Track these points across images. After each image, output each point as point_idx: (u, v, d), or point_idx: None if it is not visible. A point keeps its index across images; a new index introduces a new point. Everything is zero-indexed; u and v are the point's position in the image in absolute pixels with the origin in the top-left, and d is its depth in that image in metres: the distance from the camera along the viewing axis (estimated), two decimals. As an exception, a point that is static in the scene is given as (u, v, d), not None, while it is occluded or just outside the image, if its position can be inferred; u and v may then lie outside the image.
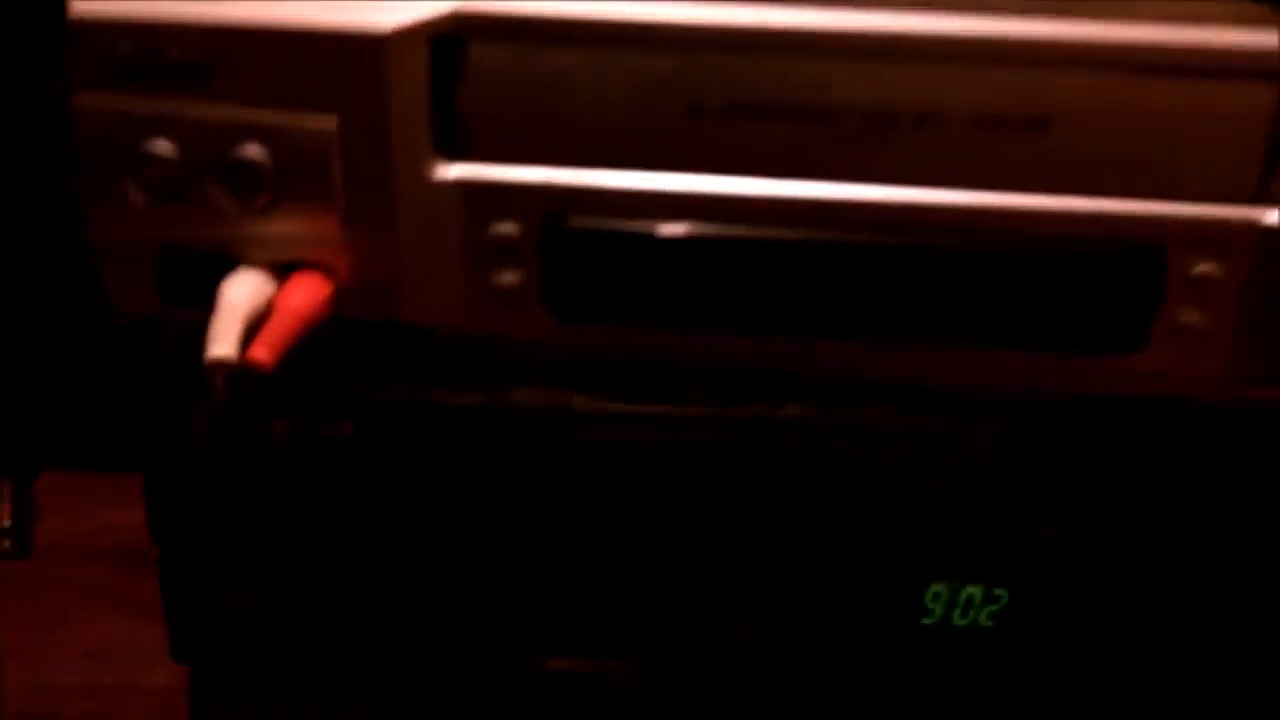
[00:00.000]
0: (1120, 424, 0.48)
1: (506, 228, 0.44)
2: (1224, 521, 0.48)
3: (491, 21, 0.42)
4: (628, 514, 0.49)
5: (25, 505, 0.67)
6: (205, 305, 0.43)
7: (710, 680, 0.52)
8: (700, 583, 0.50)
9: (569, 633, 0.51)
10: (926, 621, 0.50)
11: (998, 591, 0.50)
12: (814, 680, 0.51)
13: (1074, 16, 0.42)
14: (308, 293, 0.44)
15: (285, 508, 0.49)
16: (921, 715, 0.52)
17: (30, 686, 0.61)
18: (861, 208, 0.44)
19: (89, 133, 0.43)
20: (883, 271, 0.44)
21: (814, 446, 0.48)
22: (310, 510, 0.49)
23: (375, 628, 0.51)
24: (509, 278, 0.45)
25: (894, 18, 0.42)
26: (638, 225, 0.44)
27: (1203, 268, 0.44)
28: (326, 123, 0.42)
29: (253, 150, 0.42)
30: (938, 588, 0.50)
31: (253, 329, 0.43)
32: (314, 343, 0.44)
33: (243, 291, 0.43)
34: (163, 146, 0.43)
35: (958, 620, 0.50)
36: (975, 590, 0.50)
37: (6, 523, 0.66)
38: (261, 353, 0.42)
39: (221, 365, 0.42)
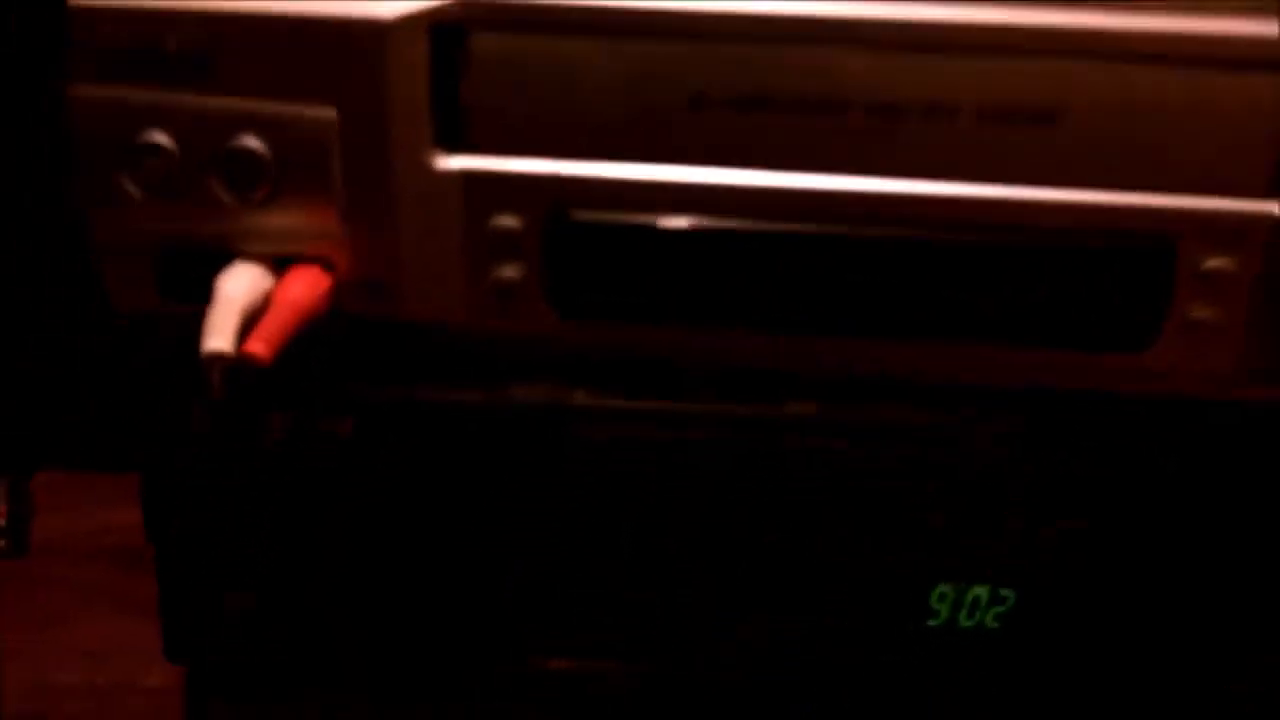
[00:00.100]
0: (1127, 422, 0.47)
1: (508, 221, 0.44)
2: (1225, 521, 0.48)
3: (493, 10, 0.42)
4: (628, 512, 0.48)
5: (22, 503, 0.66)
6: (204, 300, 0.43)
7: (711, 682, 0.51)
8: (702, 583, 0.49)
9: (569, 632, 0.50)
10: (931, 623, 0.50)
11: (1004, 592, 0.49)
12: (816, 683, 0.51)
13: (1085, 5, 0.41)
14: (306, 286, 0.44)
15: (283, 506, 0.48)
16: (926, 719, 0.51)
17: (28, 686, 0.61)
18: (866, 201, 0.43)
19: (86, 125, 0.43)
20: (887, 266, 0.44)
21: (817, 444, 0.47)
22: (308, 508, 0.49)
23: (374, 627, 0.50)
24: (510, 272, 0.44)
25: (901, 7, 0.41)
26: (642, 218, 0.44)
27: (1214, 262, 0.43)
28: (326, 113, 0.42)
29: (251, 142, 0.42)
30: (943, 588, 0.49)
31: (250, 323, 0.43)
32: (313, 339, 0.44)
33: (240, 285, 0.43)
34: (161, 138, 0.42)
35: (963, 622, 0.50)
36: (981, 591, 0.49)
37: (3, 521, 0.66)
38: (258, 346, 0.42)
39: (218, 359, 0.41)
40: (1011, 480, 0.48)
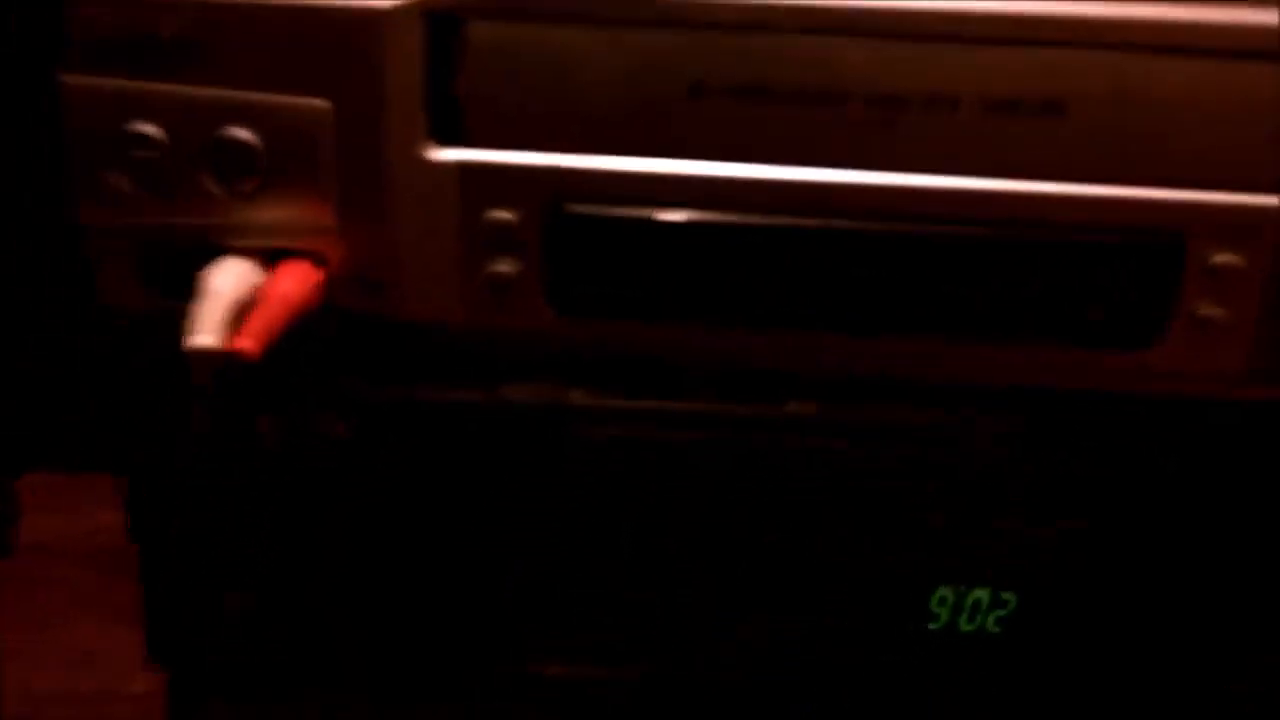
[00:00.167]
0: (1131, 422, 0.47)
1: (504, 214, 0.43)
2: (1226, 522, 0.48)
3: (490, -2, 0.41)
4: (627, 513, 0.48)
5: (7, 505, 0.66)
6: (192, 295, 0.42)
7: (710, 686, 0.51)
8: (701, 585, 0.49)
9: (568, 634, 0.50)
10: (932, 627, 0.49)
11: (1005, 595, 0.49)
12: (815, 687, 0.50)
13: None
14: (297, 281, 0.43)
15: (275, 506, 0.48)
16: (926, 725, 0.51)
17: (11, 692, 0.60)
18: (867, 195, 0.43)
19: (75, 115, 0.42)
20: (887, 261, 0.43)
21: (817, 445, 0.47)
22: (302, 509, 0.48)
23: (371, 629, 0.50)
24: (506, 267, 0.44)
25: (903, -5, 0.41)
26: (641, 211, 0.43)
27: (1223, 258, 0.42)
28: (318, 104, 0.41)
29: (242, 132, 0.41)
30: (944, 591, 0.49)
31: (240, 318, 0.42)
32: (306, 337, 0.43)
33: (228, 279, 0.42)
34: (150, 129, 0.42)
35: (964, 625, 0.49)
36: (982, 594, 0.49)
37: (-13, 522, 0.65)
38: (247, 342, 0.41)
39: (204, 354, 0.41)
40: (1013, 481, 0.47)
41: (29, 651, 0.63)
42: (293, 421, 0.47)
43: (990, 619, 0.49)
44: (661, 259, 0.44)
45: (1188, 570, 0.48)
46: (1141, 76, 0.41)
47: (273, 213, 0.43)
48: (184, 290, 0.42)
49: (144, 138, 0.42)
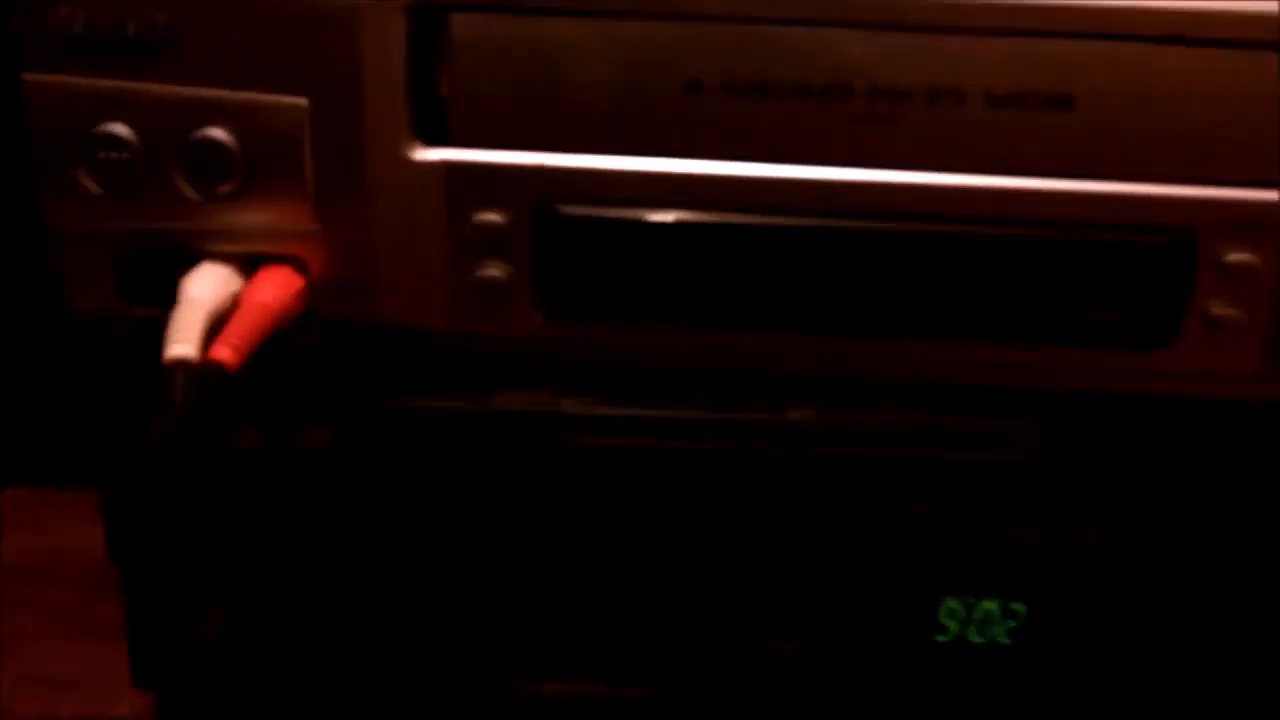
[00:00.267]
0: (1143, 426, 0.46)
1: (492, 216, 0.42)
2: (1228, 522, 0.47)
3: (474, -11, 0.40)
4: (625, 524, 0.47)
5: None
6: (168, 303, 0.41)
7: (714, 702, 0.49)
8: (703, 599, 0.48)
9: (564, 649, 0.49)
10: (940, 639, 0.48)
11: (1015, 606, 0.48)
12: (822, 702, 0.49)
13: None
14: (277, 287, 0.42)
15: (256, 522, 0.47)
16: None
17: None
18: (870, 193, 0.42)
19: (40, 115, 0.41)
20: (889, 262, 0.42)
21: (819, 453, 0.46)
22: (283, 527, 0.47)
23: (357, 650, 0.49)
24: (495, 271, 0.43)
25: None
26: (634, 213, 0.42)
27: (1236, 256, 0.41)
28: (296, 102, 0.40)
29: (217, 132, 0.40)
30: (952, 603, 0.48)
31: (218, 327, 0.41)
32: (289, 346, 0.42)
33: (206, 286, 0.41)
34: (119, 129, 0.40)
35: (973, 637, 0.48)
36: (992, 605, 0.48)
37: (-39, 541, 0.64)
38: (225, 352, 0.40)
39: (182, 365, 0.39)
40: (1022, 488, 0.46)
41: (8, 674, 0.61)
42: (275, 433, 0.46)
43: (1000, 630, 0.48)
44: (656, 262, 0.42)
45: (1192, 571, 0.47)
46: (1150, 69, 0.40)
47: (250, 216, 0.41)
48: (158, 297, 0.41)
49: (114, 139, 0.40)
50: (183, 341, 0.40)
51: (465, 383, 0.46)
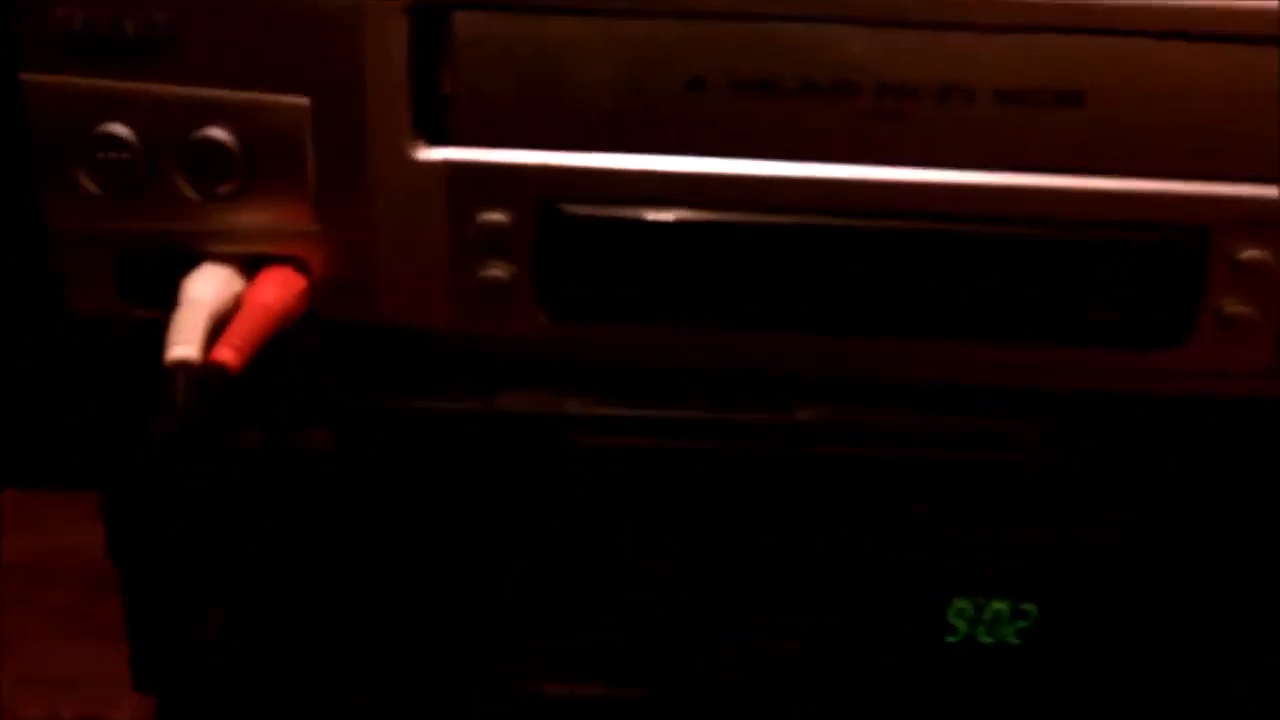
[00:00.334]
0: (1155, 425, 0.45)
1: (495, 216, 0.42)
2: (1234, 521, 0.47)
3: (477, -14, 0.40)
4: (627, 525, 0.46)
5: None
6: (169, 305, 0.41)
7: (717, 703, 0.49)
8: (708, 600, 0.47)
9: (566, 650, 0.48)
10: (950, 639, 0.48)
11: (1025, 606, 0.47)
12: (829, 703, 0.49)
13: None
14: (279, 288, 0.42)
15: (258, 524, 0.46)
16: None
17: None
18: (877, 191, 0.41)
19: (40, 115, 0.40)
20: (897, 261, 0.42)
21: (822, 453, 0.46)
22: (285, 528, 0.46)
23: (358, 651, 0.48)
24: (498, 271, 0.42)
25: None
26: (638, 212, 0.41)
27: (1249, 253, 0.41)
28: (298, 101, 0.40)
29: (217, 132, 0.40)
30: (962, 604, 0.47)
31: (219, 328, 0.40)
32: (290, 347, 0.42)
33: (207, 287, 0.41)
34: (119, 129, 0.40)
35: (983, 638, 0.48)
36: (1002, 605, 0.47)
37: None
38: (227, 354, 0.39)
39: (184, 366, 0.39)
40: (1033, 488, 0.46)
41: (8, 674, 0.61)
42: (276, 434, 0.45)
43: (1010, 631, 0.48)
44: (659, 261, 0.42)
45: (1197, 571, 0.47)
46: (1161, 65, 0.40)
47: (252, 217, 0.41)
48: (159, 298, 0.41)
49: (113, 139, 0.40)
50: (185, 343, 0.39)
51: (467, 383, 0.45)
